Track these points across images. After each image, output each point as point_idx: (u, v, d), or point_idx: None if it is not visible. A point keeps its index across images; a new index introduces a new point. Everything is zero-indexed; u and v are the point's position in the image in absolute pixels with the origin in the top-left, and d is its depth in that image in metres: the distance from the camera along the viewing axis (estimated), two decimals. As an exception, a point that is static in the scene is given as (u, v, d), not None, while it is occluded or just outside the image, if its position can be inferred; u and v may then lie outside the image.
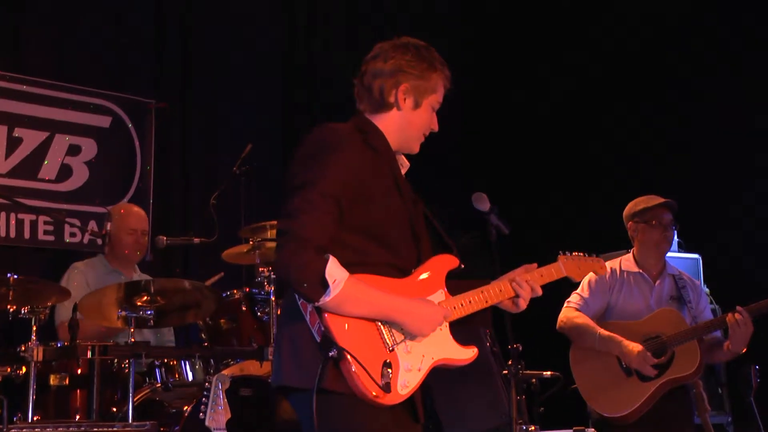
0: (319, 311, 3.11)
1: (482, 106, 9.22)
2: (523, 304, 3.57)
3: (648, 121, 8.26)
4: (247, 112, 8.30)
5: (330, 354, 3.06)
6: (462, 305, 3.43)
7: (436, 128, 3.57)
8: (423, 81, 3.49)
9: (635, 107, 8.38)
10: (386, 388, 3.12)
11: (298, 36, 8.90)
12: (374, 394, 3.10)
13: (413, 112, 3.49)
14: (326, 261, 3.07)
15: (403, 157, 3.58)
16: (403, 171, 3.56)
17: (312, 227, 3.12)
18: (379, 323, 3.21)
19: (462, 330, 3.45)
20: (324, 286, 3.06)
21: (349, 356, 3.07)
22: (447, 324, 3.38)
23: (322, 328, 3.10)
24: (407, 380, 3.21)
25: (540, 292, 3.60)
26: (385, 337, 3.20)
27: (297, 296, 3.20)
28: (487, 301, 3.50)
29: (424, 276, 3.40)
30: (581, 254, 3.93)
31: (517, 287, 3.54)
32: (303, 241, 3.09)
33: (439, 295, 3.41)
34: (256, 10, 8.52)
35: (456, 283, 3.49)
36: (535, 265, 3.66)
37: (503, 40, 9.23)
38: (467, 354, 3.41)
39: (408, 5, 8.89)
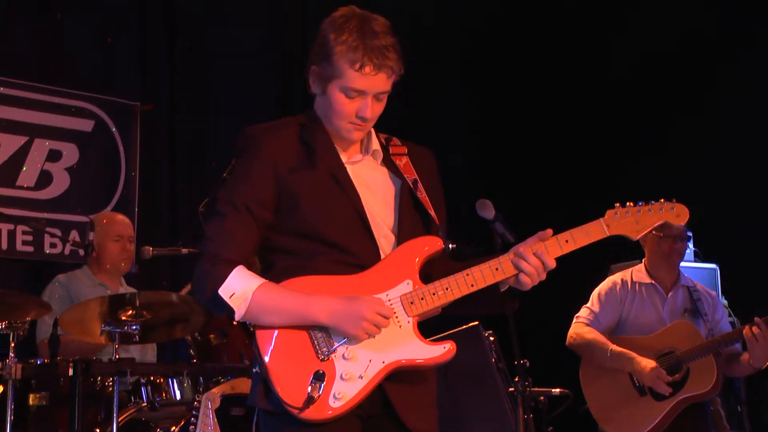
0: (254, 326, 3.10)
1: (487, 108, 9.21)
2: (527, 281, 3.17)
3: (664, 124, 8.25)
4: (239, 114, 8.27)
5: (254, 370, 3.07)
6: (434, 294, 3.13)
7: (365, 116, 3.21)
8: (325, 63, 3.19)
9: (650, 109, 8.39)
10: (308, 401, 2.97)
11: (295, 34, 8.88)
12: (295, 409, 2.98)
13: (323, 98, 3.26)
14: (227, 275, 3.04)
15: (373, 140, 3.38)
16: (376, 157, 3.38)
17: (217, 241, 3.09)
18: (310, 330, 3.07)
19: (461, 340, 3.22)
20: (222, 303, 3.04)
21: (269, 372, 3.02)
22: (413, 319, 3.12)
23: (254, 343, 3.08)
24: (341, 390, 3.02)
25: (553, 265, 3.17)
26: (317, 344, 3.06)
27: None
28: (472, 285, 3.15)
29: (385, 267, 3.17)
30: (642, 203, 3.33)
31: (518, 260, 3.15)
32: (208, 257, 3.08)
33: (405, 287, 3.14)
34: (249, 6, 8.51)
35: (449, 266, 3.24)
36: (550, 231, 3.23)
37: (508, 42, 9.23)
38: (436, 352, 3.10)
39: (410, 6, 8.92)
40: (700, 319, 5.79)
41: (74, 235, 7.40)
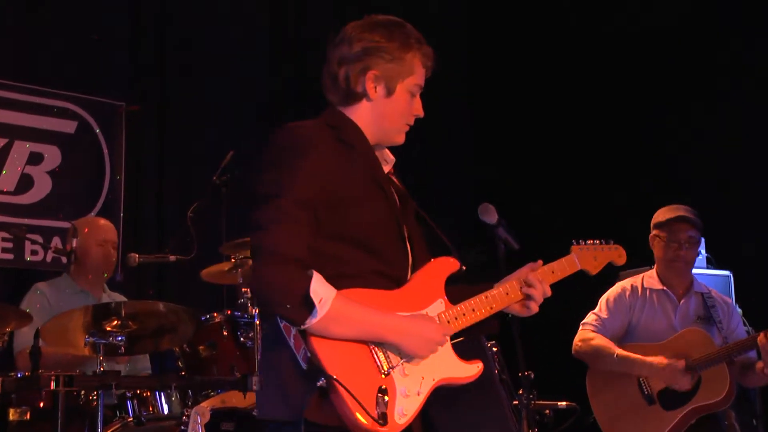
0: (304, 335, 3.08)
1: (492, 109, 9.23)
2: (534, 307, 3.52)
3: (676, 126, 8.27)
4: (229, 115, 8.29)
5: (318, 383, 3.04)
6: (464, 314, 3.39)
7: (420, 113, 3.50)
8: (395, 64, 3.41)
9: (661, 110, 8.40)
10: (382, 418, 3.08)
11: (287, 34, 8.90)
12: (368, 426, 3.05)
13: (386, 100, 3.43)
14: (310, 278, 3.03)
15: (387, 151, 3.54)
16: (388, 167, 3.52)
17: (287, 239, 3.09)
18: (372, 345, 3.17)
19: (465, 348, 3.39)
20: (309, 306, 3.02)
21: (338, 385, 3.04)
22: (448, 338, 3.34)
23: (308, 354, 3.06)
24: (405, 407, 3.16)
25: (549, 293, 3.55)
26: (380, 360, 3.16)
27: (280, 319, 3.16)
28: (492, 307, 3.46)
29: (419, 284, 3.35)
30: (596, 242, 3.87)
31: (527, 288, 3.50)
32: (280, 257, 3.06)
33: (438, 306, 3.37)
34: (242, 6, 8.52)
35: (458, 289, 3.44)
36: (541, 262, 3.61)
37: (515, 40, 9.26)
38: (471, 370, 3.36)
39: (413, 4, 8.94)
40: (714, 326, 5.81)
41: (56, 241, 7.39)
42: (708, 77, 8.10)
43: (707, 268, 7.47)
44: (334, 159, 3.25)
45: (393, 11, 3.57)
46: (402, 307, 3.26)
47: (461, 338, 3.47)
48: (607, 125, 8.63)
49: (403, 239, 3.35)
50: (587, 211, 8.37)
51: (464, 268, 3.44)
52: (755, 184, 7.79)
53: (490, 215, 3.74)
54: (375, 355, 3.16)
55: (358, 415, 3.05)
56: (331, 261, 3.18)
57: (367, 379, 3.12)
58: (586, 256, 3.78)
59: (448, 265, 3.42)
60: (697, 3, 8.13)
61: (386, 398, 3.11)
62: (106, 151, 7.83)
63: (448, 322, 3.34)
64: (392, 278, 3.30)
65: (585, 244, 3.82)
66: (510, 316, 3.58)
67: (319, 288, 3.04)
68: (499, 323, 3.58)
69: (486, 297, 3.44)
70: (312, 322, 3.03)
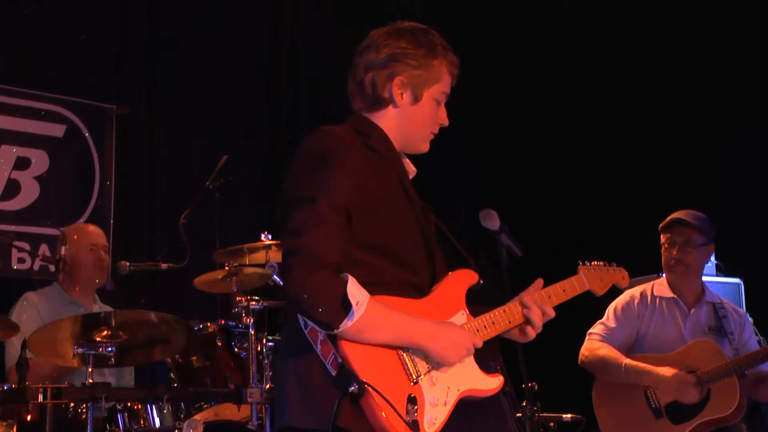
0: (334, 340, 3.11)
1: (494, 111, 9.25)
2: (531, 333, 3.56)
3: (684, 131, 8.29)
4: (222, 118, 8.28)
5: (350, 389, 3.04)
6: (486, 327, 3.44)
7: (446, 122, 3.57)
8: (422, 71, 3.47)
9: (670, 116, 8.42)
10: (414, 426, 3.11)
11: (283, 32, 8.91)
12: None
13: (413, 107, 3.50)
14: (345, 281, 3.08)
15: (408, 161, 3.59)
16: (410, 177, 3.57)
17: (324, 243, 3.12)
18: (402, 352, 3.21)
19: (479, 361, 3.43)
20: (346, 309, 3.06)
21: (373, 391, 3.06)
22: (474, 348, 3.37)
23: (339, 360, 3.09)
24: (434, 416, 3.21)
25: (552, 315, 3.58)
26: (409, 367, 3.21)
27: (304, 324, 3.19)
28: (510, 322, 3.50)
29: (442, 295, 3.40)
30: (601, 263, 3.94)
31: (526, 311, 3.53)
32: (316, 260, 3.10)
33: (461, 317, 3.41)
34: (236, 8, 8.52)
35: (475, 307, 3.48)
36: (541, 281, 3.64)
37: (516, 50, 9.28)
38: (493, 383, 3.42)
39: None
40: (726, 338, 5.80)
41: (44, 249, 7.39)
42: (720, 82, 8.12)
43: (717, 275, 7.47)
44: (366, 165, 3.30)
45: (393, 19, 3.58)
46: (428, 316, 3.30)
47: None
48: (615, 128, 8.65)
49: (428, 250, 3.41)
50: (594, 218, 8.38)
51: (482, 281, 3.48)
52: (766, 190, 7.80)
53: (492, 221, 3.74)
54: (405, 362, 3.21)
55: (393, 422, 3.08)
56: (361, 268, 3.21)
57: (398, 386, 3.16)
58: (593, 277, 3.85)
59: (468, 277, 3.48)
60: (705, 9, 8.16)
61: (415, 407, 3.14)
62: (95, 155, 7.83)
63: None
64: (417, 288, 3.36)
65: (591, 264, 3.89)
66: None
67: (356, 291, 3.08)
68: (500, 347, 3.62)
69: (504, 311, 3.50)
70: (348, 325, 3.06)
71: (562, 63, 9.06)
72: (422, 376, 3.22)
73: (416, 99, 3.48)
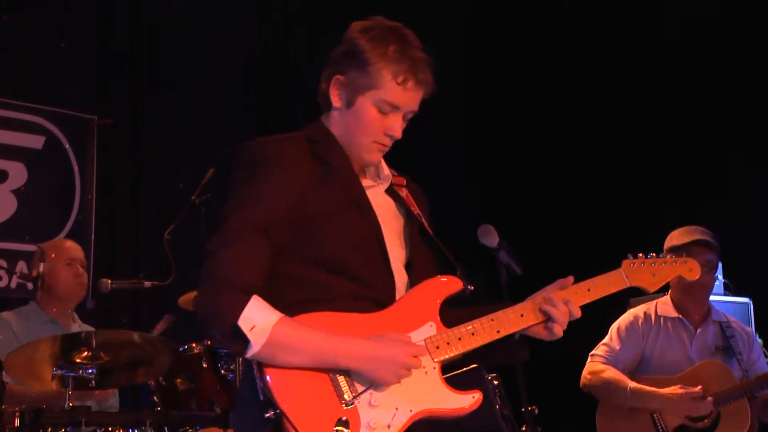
0: (260, 365, 3.07)
1: (493, 121, 9.25)
2: (558, 330, 3.36)
3: (691, 145, 8.31)
4: (209, 130, 8.28)
5: (266, 415, 3.02)
6: (460, 339, 3.27)
7: (395, 134, 3.37)
8: (360, 72, 3.31)
9: (676, 129, 8.46)
10: None
11: (275, 40, 8.91)
12: None
13: (347, 111, 3.35)
14: (245, 304, 3.02)
15: (382, 166, 3.51)
16: (384, 183, 3.50)
17: (231, 265, 3.08)
18: (331, 373, 3.11)
19: (460, 384, 3.28)
20: (241, 335, 3.00)
21: (286, 420, 3.01)
22: (437, 365, 3.24)
23: (262, 385, 3.06)
24: None
25: (579, 314, 3.39)
26: (341, 388, 3.11)
27: None
28: (499, 331, 3.32)
29: (407, 306, 3.28)
30: (653, 255, 3.69)
31: (549, 307, 3.35)
32: (220, 283, 3.05)
33: (428, 329, 3.27)
34: (224, 8, 8.51)
35: (466, 313, 3.35)
36: (571, 279, 3.47)
37: (511, 63, 9.32)
38: (464, 401, 3.22)
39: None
40: (734, 358, 5.81)
41: (22, 266, 7.38)
42: (726, 95, 8.14)
43: (725, 294, 7.48)
44: (304, 176, 3.22)
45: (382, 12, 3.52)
46: (379, 331, 3.18)
47: (474, 366, 3.44)
48: (617, 142, 8.68)
49: (385, 260, 3.29)
50: (596, 234, 8.38)
51: (470, 287, 3.36)
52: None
53: (490, 238, 3.71)
54: (335, 384, 3.11)
55: None
56: (302, 285, 3.17)
57: (325, 410, 3.07)
58: (641, 272, 3.61)
59: (447, 285, 3.35)
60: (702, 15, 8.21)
61: (347, 430, 3.04)
62: (76, 168, 7.82)
63: (437, 347, 3.24)
64: (373, 301, 3.25)
65: (640, 257, 3.65)
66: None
67: (256, 315, 3.02)
68: (528, 351, 3.49)
69: (492, 320, 3.32)
70: (252, 352, 3.02)
71: (562, 72, 9.08)
72: (358, 398, 3.10)
73: (349, 103, 3.34)
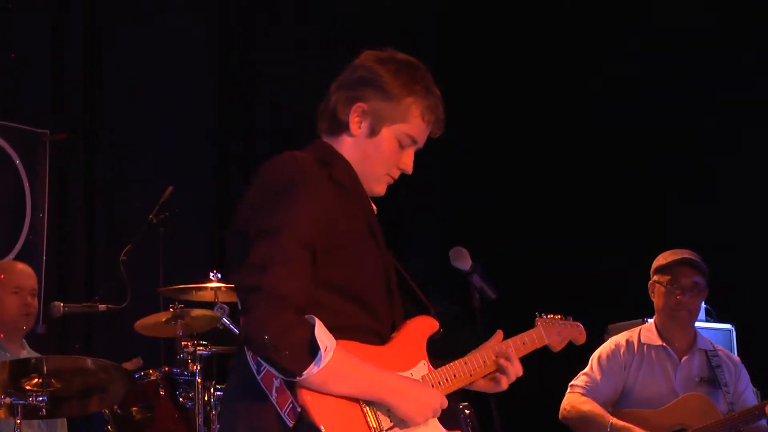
0: (292, 387, 3.10)
1: (467, 139, 9.30)
2: (505, 384, 3.59)
3: (672, 167, 8.39)
4: (168, 147, 8.27)
5: None
6: (447, 380, 3.45)
7: (408, 169, 3.51)
8: (388, 104, 3.42)
9: (654, 150, 8.53)
10: None
11: (237, 53, 8.92)
12: None
13: (368, 140, 3.44)
14: (312, 324, 3.06)
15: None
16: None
17: (290, 282, 3.10)
18: (364, 404, 3.20)
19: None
20: (312, 355, 3.04)
21: None
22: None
23: (298, 409, 3.09)
24: None
25: (521, 372, 3.61)
26: (370, 421, 3.20)
27: (256, 369, 3.18)
28: (471, 375, 3.52)
29: (402, 344, 3.39)
30: (558, 317, 3.96)
31: (505, 362, 3.57)
32: (281, 300, 3.07)
33: (422, 368, 3.40)
34: (184, 19, 8.52)
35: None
36: (501, 333, 3.66)
37: (489, 62, 9.39)
38: None
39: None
40: (719, 390, 5.82)
41: (-33, 289, 7.35)
42: (707, 120, 8.25)
43: (707, 321, 7.50)
44: (331, 198, 3.27)
45: (361, 39, 3.59)
46: (390, 365, 3.31)
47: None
48: (592, 165, 8.76)
49: (390, 292, 3.40)
50: (573, 259, 8.44)
51: (442, 330, 3.46)
52: (758, 231, 7.89)
53: (463, 260, 3.75)
54: (366, 416, 3.20)
55: None
56: (325, 311, 3.20)
57: None
58: (552, 331, 3.89)
59: (428, 325, 3.47)
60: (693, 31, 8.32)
61: None
62: (26, 185, 7.79)
63: (432, 386, 3.39)
64: (378, 334, 3.35)
65: (549, 317, 3.92)
66: None
67: (323, 336, 3.07)
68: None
69: (466, 363, 3.51)
70: (313, 372, 3.06)
71: (536, 92, 9.16)
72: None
73: (373, 132, 3.43)
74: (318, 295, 3.21)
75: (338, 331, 3.17)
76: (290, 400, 3.10)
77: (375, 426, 3.20)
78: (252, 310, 3.10)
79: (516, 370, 3.58)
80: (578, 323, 4.03)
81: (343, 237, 3.27)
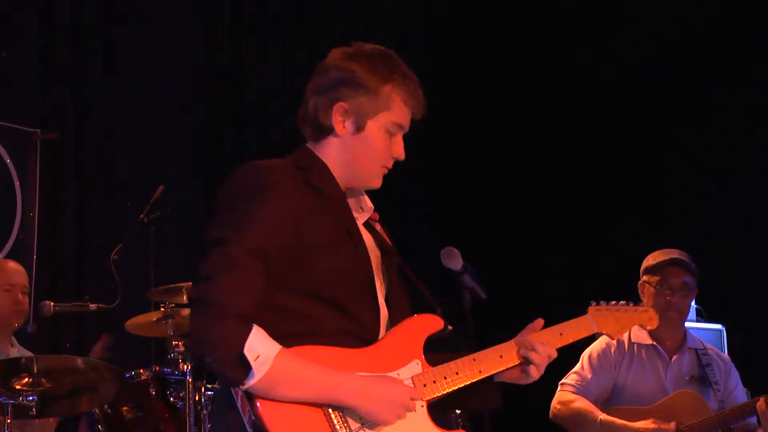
0: (250, 396, 3.10)
1: (457, 137, 9.30)
2: (535, 373, 3.53)
3: (667, 169, 8.41)
4: (159, 146, 8.27)
5: None
6: (445, 378, 3.39)
7: (400, 156, 3.52)
8: (368, 98, 3.43)
9: (652, 151, 8.54)
10: None
11: (224, 55, 8.92)
12: None
13: (355, 137, 3.45)
14: (248, 333, 3.06)
15: (365, 198, 3.58)
16: (365, 215, 3.57)
17: (231, 291, 3.11)
18: (328, 408, 3.17)
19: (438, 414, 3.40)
20: (246, 365, 3.04)
21: None
22: (424, 404, 3.34)
23: (253, 418, 3.10)
24: None
25: (555, 355, 3.57)
26: (335, 425, 3.17)
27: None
28: (481, 371, 3.46)
29: (393, 343, 3.37)
30: (618, 303, 3.92)
31: (529, 352, 3.50)
32: (220, 309, 3.08)
33: (414, 367, 3.36)
34: (174, 19, 8.52)
35: (443, 357, 3.45)
36: (541, 321, 3.63)
37: (480, 65, 9.40)
38: None
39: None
40: (710, 388, 5.83)
41: (-43, 288, 7.34)
42: (700, 118, 8.26)
43: (697, 321, 7.52)
44: (300, 204, 3.27)
45: (346, 36, 3.59)
46: (368, 367, 3.27)
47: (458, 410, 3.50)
48: (585, 166, 8.76)
49: (373, 295, 3.39)
50: (566, 258, 8.45)
51: (450, 327, 3.45)
52: (748, 231, 7.90)
53: (454, 260, 3.74)
54: (331, 420, 3.17)
55: None
56: (293, 317, 3.22)
57: None
58: (607, 319, 3.84)
59: (429, 323, 3.44)
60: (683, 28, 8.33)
61: None
62: (17, 184, 7.79)
63: (425, 385, 3.35)
64: (361, 337, 3.33)
65: (605, 304, 3.87)
66: None
67: (259, 345, 3.06)
68: (502, 397, 3.62)
69: (474, 359, 3.46)
70: (251, 383, 3.06)
71: (532, 92, 9.17)
72: None
73: (358, 128, 3.44)
74: (286, 300, 3.23)
75: (308, 336, 3.19)
76: (248, 408, 3.11)
77: (338, 428, 3.17)
78: (193, 321, 3.13)
79: (541, 361, 3.51)
80: (647, 307, 4.05)
81: (313, 241, 3.26)
